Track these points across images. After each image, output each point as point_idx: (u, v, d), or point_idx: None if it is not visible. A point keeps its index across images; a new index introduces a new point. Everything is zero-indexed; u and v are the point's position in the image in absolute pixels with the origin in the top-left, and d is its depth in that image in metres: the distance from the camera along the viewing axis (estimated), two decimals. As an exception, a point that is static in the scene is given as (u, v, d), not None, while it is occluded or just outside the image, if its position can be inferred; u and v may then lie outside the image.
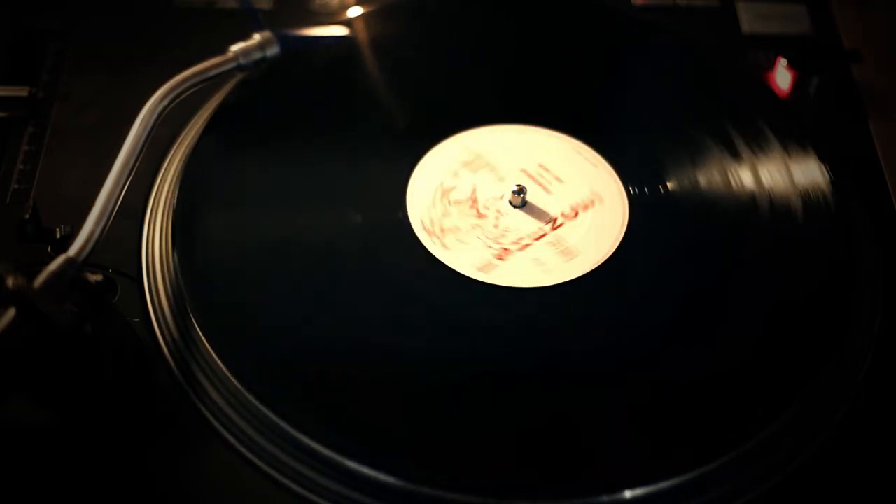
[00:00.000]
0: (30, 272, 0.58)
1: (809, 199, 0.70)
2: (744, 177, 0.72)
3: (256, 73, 0.74)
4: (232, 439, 0.60)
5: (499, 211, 0.71)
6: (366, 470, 0.57)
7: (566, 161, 0.74)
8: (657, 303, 0.66)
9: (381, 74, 0.78)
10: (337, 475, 0.58)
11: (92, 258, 0.62)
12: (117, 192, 0.63)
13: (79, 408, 0.60)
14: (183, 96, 0.68)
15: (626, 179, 0.72)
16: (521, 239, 0.70)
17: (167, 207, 0.69)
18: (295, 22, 0.80)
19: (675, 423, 0.60)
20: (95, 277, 0.63)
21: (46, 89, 0.77)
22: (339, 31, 0.76)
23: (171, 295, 0.65)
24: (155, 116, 0.66)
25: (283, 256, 0.67)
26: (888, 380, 0.64)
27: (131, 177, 0.64)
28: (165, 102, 0.67)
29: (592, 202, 0.71)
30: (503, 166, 0.73)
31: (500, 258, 0.68)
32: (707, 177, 0.72)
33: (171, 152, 0.73)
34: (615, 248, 0.69)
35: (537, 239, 0.69)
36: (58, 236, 0.67)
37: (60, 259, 0.60)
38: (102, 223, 0.62)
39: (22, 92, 0.75)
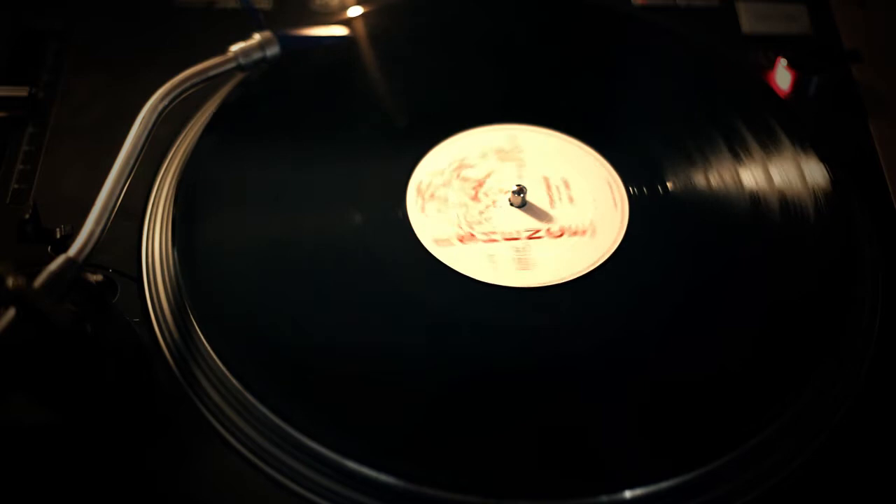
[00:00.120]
0: (30, 272, 0.58)
1: (809, 200, 0.70)
2: (744, 177, 0.72)
3: (256, 73, 0.74)
4: (232, 439, 0.60)
5: (494, 202, 0.71)
6: (366, 470, 0.57)
7: (591, 187, 0.72)
8: (657, 303, 0.66)
9: (381, 74, 0.78)
10: (337, 475, 0.58)
11: (92, 258, 0.62)
12: (117, 192, 0.63)
13: (79, 408, 0.60)
14: (183, 96, 0.68)
15: (627, 180, 0.72)
16: (493, 233, 0.69)
17: (167, 207, 0.69)
18: (295, 22, 0.80)
19: (675, 424, 0.60)
20: (95, 277, 0.63)
21: (46, 89, 0.77)
22: (339, 30, 0.76)
23: (171, 295, 0.65)
24: (155, 116, 0.66)
25: (283, 256, 0.67)
26: (888, 380, 0.64)
27: (131, 177, 0.64)
28: (165, 102, 0.67)
29: (584, 231, 0.70)
30: (531, 167, 0.73)
31: (461, 240, 0.68)
32: (707, 177, 0.72)
33: (171, 152, 0.73)
34: (612, 251, 0.68)
35: (507, 240, 0.69)
36: (58, 236, 0.67)
37: (60, 259, 0.60)
38: (102, 223, 0.62)
39: (22, 92, 0.75)
